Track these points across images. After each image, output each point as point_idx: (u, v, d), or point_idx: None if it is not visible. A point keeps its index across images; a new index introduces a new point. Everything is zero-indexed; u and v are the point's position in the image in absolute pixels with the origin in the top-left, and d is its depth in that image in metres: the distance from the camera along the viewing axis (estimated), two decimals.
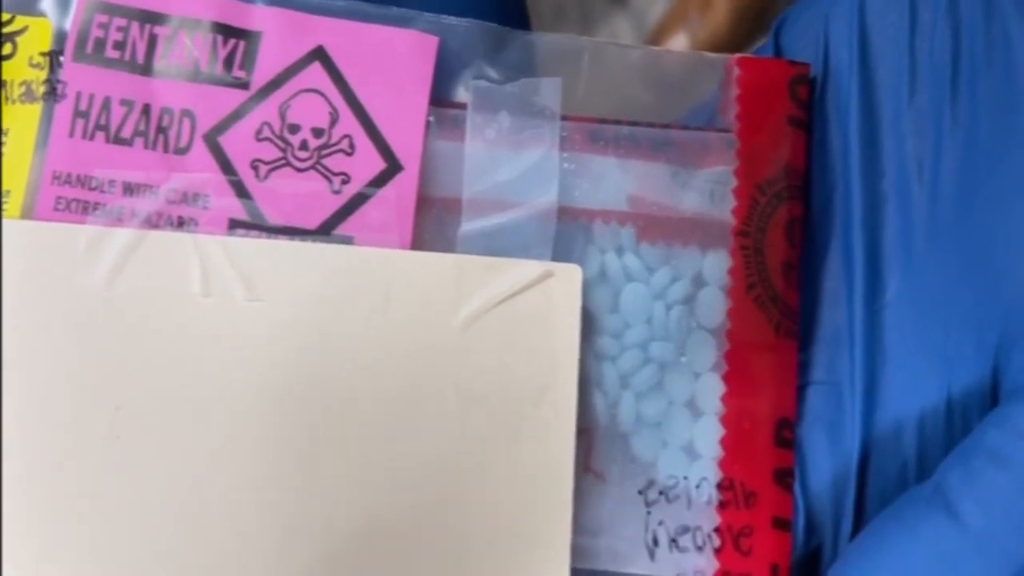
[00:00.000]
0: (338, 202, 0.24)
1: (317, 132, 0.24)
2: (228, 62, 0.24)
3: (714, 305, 0.25)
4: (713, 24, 0.56)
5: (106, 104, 0.23)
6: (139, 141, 0.23)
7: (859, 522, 0.24)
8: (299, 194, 0.23)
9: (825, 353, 0.25)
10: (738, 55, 0.26)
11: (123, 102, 0.24)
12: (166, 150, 0.23)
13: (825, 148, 0.25)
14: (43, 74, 0.24)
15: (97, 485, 0.22)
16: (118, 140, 0.23)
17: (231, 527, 0.22)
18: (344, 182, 0.24)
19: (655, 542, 0.24)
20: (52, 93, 0.24)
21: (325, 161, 0.24)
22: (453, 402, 0.23)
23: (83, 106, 0.23)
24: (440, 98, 0.24)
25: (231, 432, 0.23)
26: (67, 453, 0.22)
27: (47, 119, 0.23)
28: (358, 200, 0.24)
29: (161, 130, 0.23)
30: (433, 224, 0.24)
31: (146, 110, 0.24)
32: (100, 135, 0.23)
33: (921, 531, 0.21)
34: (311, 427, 0.23)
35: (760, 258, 0.25)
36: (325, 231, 0.23)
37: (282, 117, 0.24)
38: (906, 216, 0.24)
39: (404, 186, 0.24)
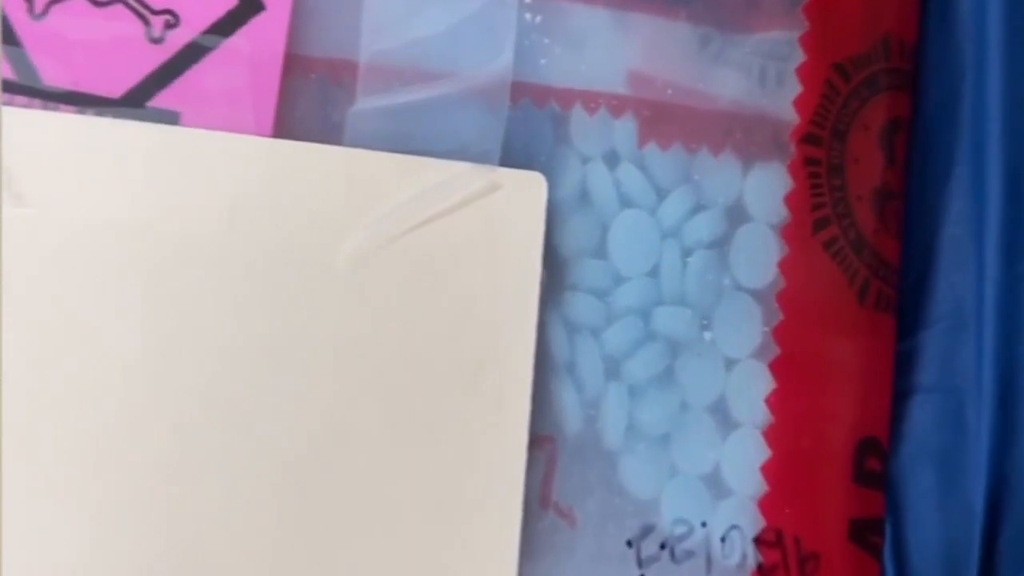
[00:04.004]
0: (158, 57, 0.18)
1: None
2: None
3: (761, 252, 0.20)
4: None
5: None
6: None
7: None
8: (96, 41, 0.18)
9: (940, 341, 0.21)
10: None
11: None
12: None
13: (948, 15, 0.21)
14: None
15: None
16: None
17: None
18: (169, 25, 0.19)
19: None
20: None
21: None
22: (329, 370, 0.18)
23: None
24: None
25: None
26: None
27: None
28: (190, 54, 0.19)
29: None
30: (310, 99, 0.19)
31: None
32: None
33: None
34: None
35: (838, 180, 0.20)
36: (135, 102, 0.18)
37: None
38: None
39: (265, 36, 0.19)
